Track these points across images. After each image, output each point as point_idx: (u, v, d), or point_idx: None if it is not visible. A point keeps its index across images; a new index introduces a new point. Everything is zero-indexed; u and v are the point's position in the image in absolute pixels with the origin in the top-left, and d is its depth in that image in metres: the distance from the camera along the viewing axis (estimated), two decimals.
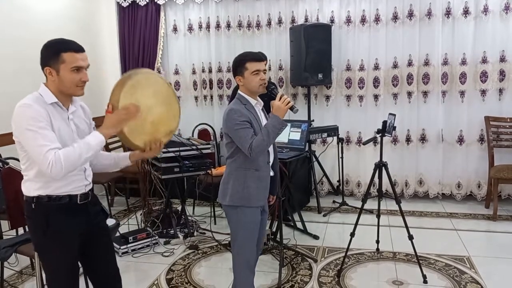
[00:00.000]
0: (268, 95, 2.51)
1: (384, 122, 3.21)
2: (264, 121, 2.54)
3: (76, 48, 1.96)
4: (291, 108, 2.36)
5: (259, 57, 2.50)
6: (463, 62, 4.82)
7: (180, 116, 2.28)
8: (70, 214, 2.03)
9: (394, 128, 3.22)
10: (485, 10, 4.69)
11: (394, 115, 3.24)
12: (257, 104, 2.57)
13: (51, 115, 1.93)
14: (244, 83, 2.49)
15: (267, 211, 2.75)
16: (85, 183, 2.10)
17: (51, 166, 1.82)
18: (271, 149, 2.62)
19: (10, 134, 3.98)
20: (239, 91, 2.56)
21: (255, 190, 2.51)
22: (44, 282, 3.06)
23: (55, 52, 1.94)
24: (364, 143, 3.59)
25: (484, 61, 4.77)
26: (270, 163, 2.61)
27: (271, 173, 2.64)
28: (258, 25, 5.33)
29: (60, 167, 1.83)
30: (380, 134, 3.26)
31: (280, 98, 2.37)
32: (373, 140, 3.54)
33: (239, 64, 2.49)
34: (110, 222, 3.42)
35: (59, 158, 1.82)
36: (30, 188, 2.00)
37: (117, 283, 2.31)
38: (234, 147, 2.50)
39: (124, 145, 2.18)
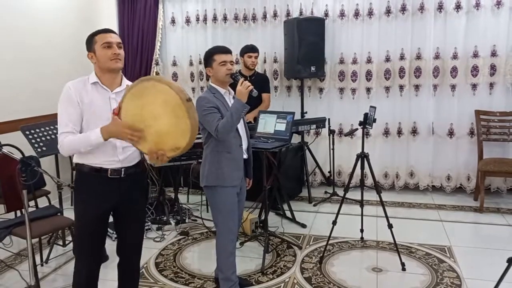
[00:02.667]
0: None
1: (365, 115, 3.31)
2: None
3: (105, 30, 2.30)
4: (251, 91, 2.61)
5: (226, 50, 2.76)
6: (455, 57, 4.88)
7: (194, 135, 2.07)
8: (101, 185, 2.28)
9: (375, 120, 3.32)
10: (477, 4, 4.73)
11: (375, 107, 3.34)
12: (226, 93, 2.82)
13: (84, 92, 2.23)
14: (213, 73, 2.76)
15: (244, 193, 2.98)
16: (115, 159, 2.28)
17: (59, 148, 2.21)
18: (243, 133, 2.85)
19: (7, 122, 4.15)
20: (209, 82, 2.83)
21: (229, 171, 2.74)
22: (37, 263, 3.26)
23: (90, 38, 2.29)
24: (346, 135, 3.70)
25: (476, 55, 4.83)
26: (243, 147, 2.83)
27: (245, 156, 2.86)
28: (254, 18, 5.42)
29: (64, 151, 2.21)
30: (361, 126, 3.35)
31: (242, 84, 2.61)
32: (354, 131, 3.64)
33: (208, 56, 2.76)
34: None
35: (64, 144, 2.18)
36: (74, 155, 2.32)
37: (136, 256, 2.54)
38: (207, 132, 2.75)
39: None
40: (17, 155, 3.08)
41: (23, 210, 3.50)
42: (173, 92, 2.03)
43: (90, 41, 2.28)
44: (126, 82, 2.36)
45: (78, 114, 2.20)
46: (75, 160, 2.32)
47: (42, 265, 3.49)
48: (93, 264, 2.40)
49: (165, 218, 4.38)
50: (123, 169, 2.30)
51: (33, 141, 3.31)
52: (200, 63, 5.69)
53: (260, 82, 4.66)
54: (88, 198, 2.30)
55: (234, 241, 2.90)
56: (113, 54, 2.23)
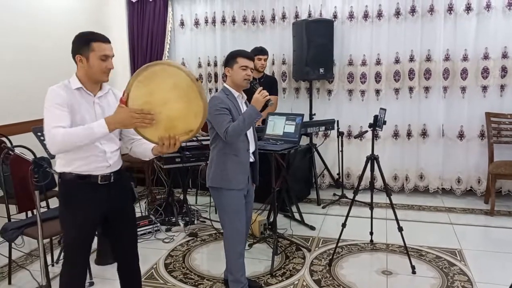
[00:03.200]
0: (251, 91, 2.73)
1: (375, 117, 3.30)
2: None
3: (104, 39, 2.22)
4: (268, 101, 2.57)
5: (250, 56, 2.75)
6: (465, 58, 4.85)
7: (205, 115, 2.09)
8: (90, 191, 2.24)
9: (385, 122, 3.31)
10: (488, 6, 4.70)
11: (385, 110, 3.33)
12: (239, 97, 2.81)
13: (73, 98, 2.17)
14: (232, 74, 2.74)
15: (252, 195, 2.98)
16: (105, 164, 2.26)
17: (50, 142, 2.05)
18: (251, 138, 2.84)
19: (19, 124, 4.20)
20: (224, 84, 2.81)
21: (234, 173, 2.73)
22: (48, 263, 3.28)
23: (86, 42, 2.18)
24: (356, 137, 3.69)
25: (486, 57, 4.79)
26: (250, 151, 2.82)
27: (251, 159, 2.85)
28: (263, 20, 5.43)
29: (56, 144, 2.05)
30: (371, 128, 3.34)
31: (260, 92, 2.59)
32: (364, 133, 3.62)
33: (232, 57, 2.75)
34: None
35: (58, 135, 2.03)
36: (58, 164, 2.27)
37: (134, 257, 2.53)
38: (214, 133, 2.74)
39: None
40: (29, 156, 3.11)
41: (34, 210, 3.54)
42: (183, 73, 2.03)
43: (86, 45, 2.16)
44: (106, 86, 2.32)
45: (69, 117, 2.14)
46: (59, 169, 2.25)
47: (53, 265, 3.52)
48: (84, 267, 2.39)
49: (174, 219, 4.40)
50: (112, 174, 2.30)
51: (45, 142, 3.34)
52: (208, 65, 5.71)
53: (269, 84, 4.66)
54: (78, 207, 2.24)
55: (243, 242, 2.90)
56: (108, 68, 2.21)
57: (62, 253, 2.38)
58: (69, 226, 2.28)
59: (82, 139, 2.06)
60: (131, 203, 2.55)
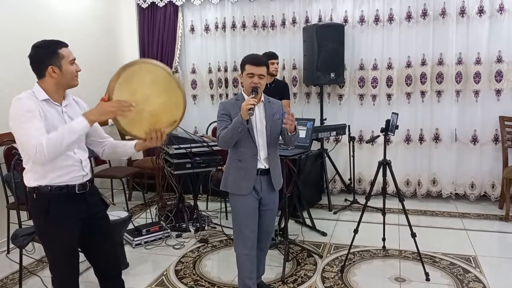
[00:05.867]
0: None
1: (388, 121, 3.26)
2: (259, 118, 2.73)
3: (65, 43, 2.19)
4: (248, 110, 2.45)
5: (257, 62, 2.66)
6: (478, 62, 4.79)
7: (186, 105, 2.24)
8: (69, 202, 2.19)
9: (397, 127, 3.26)
10: (501, 9, 4.64)
11: (397, 114, 3.29)
12: None
13: (43, 108, 2.09)
14: (242, 81, 2.75)
15: (271, 203, 2.87)
16: (82, 173, 2.24)
17: (35, 152, 1.96)
18: (263, 143, 2.75)
19: None
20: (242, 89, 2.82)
21: (236, 179, 2.75)
22: None
23: (54, 51, 2.13)
24: (368, 142, 3.65)
25: (499, 60, 4.73)
26: (261, 157, 2.75)
27: (262, 166, 2.76)
28: (273, 25, 5.42)
29: (44, 152, 1.96)
30: (383, 133, 3.30)
31: (246, 100, 2.53)
32: (376, 138, 3.58)
33: (242, 64, 2.74)
34: (122, 214, 3.60)
35: (42, 144, 1.96)
36: (30, 179, 2.17)
37: (116, 268, 2.46)
38: None
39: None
40: None
41: None
42: (160, 68, 2.18)
43: (54, 54, 2.11)
44: (69, 95, 2.28)
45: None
46: (34, 183, 2.15)
47: None
48: (77, 282, 2.34)
49: (184, 225, 4.38)
50: (87, 183, 2.28)
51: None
52: (219, 70, 5.70)
53: (280, 89, 4.64)
54: (59, 220, 2.17)
55: (248, 246, 2.79)
56: (77, 71, 2.19)
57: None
58: (52, 242, 2.23)
59: (67, 138, 2.01)
60: (105, 210, 2.47)
